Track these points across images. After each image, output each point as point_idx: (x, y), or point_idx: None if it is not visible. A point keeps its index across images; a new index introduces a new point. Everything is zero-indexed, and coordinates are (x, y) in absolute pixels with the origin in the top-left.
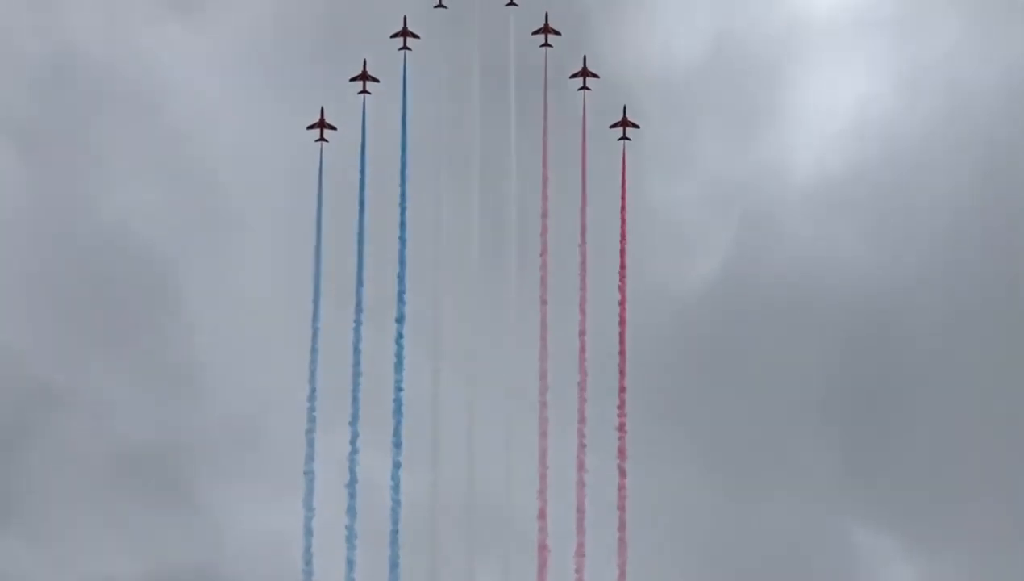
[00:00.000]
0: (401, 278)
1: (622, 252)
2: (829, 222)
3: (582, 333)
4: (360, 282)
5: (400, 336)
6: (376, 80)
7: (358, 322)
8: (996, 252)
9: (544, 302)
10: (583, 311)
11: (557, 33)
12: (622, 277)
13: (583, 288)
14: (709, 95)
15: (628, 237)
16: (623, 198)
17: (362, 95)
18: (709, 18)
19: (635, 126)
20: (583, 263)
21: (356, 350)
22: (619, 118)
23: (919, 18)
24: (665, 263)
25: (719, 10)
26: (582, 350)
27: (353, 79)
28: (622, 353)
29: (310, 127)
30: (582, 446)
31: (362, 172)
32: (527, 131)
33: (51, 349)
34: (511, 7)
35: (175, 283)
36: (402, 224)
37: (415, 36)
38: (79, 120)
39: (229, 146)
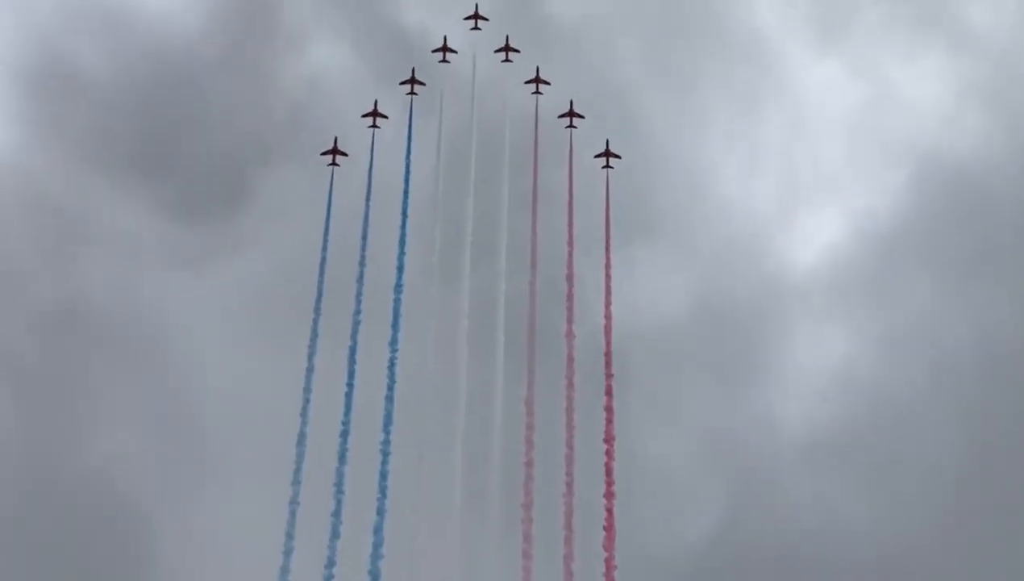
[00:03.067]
0: (379, 529)
1: (608, 511)
2: (821, 480)
3: None
4: (336, 534)
5: None
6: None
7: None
8: (987, 509)
9: (528, 556)
10: (569, 571)
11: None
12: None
13: (568, 544)
14: (695, 351)
15: (616, 493)
16: (608, 455)
17: (350, 345)
18: (694, 276)
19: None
20: (568, 516)
21: None
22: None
23: (894, 279)
24: (655, 523)
25: (703, 268)
26: None
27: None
28: None
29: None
30: None
31: (344, 437)
32: (513, 373)
33: None
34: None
35: (152, 532)
36: (383, 474)
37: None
38: (77, 364)
39: (220, 397)
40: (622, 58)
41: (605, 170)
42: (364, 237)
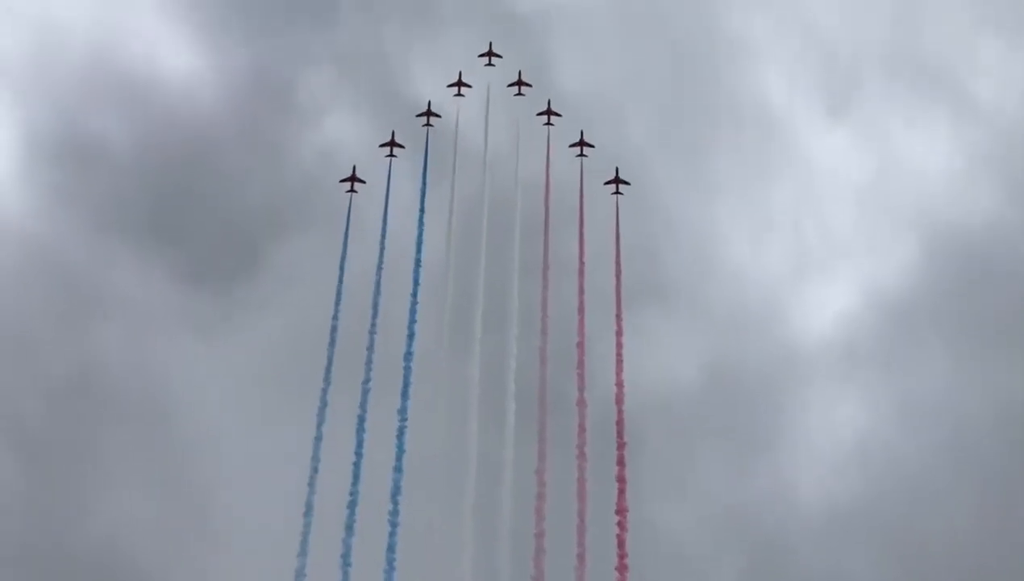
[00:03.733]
0: None
1: None
2: (838, 552)
3: None
4: None
5: None
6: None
7: None
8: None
9: None
10: None
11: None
12: None
13: None
14: (709, 419)
15: (629, 566)
16: (621, 526)
17: (359, 414)
18: (706, 342)
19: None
20: None
21: None
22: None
23: (908, 348)
24: None
25: (716, 335)
26: None
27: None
28: None
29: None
30: None
31: (351, 508)
32: (524, 442)
33: None
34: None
35: None
36: (391, 546)
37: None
38: (86, 431)
39: (227, 465)
40: (633, 125)
41: (615, 233)
42: (375, 306)
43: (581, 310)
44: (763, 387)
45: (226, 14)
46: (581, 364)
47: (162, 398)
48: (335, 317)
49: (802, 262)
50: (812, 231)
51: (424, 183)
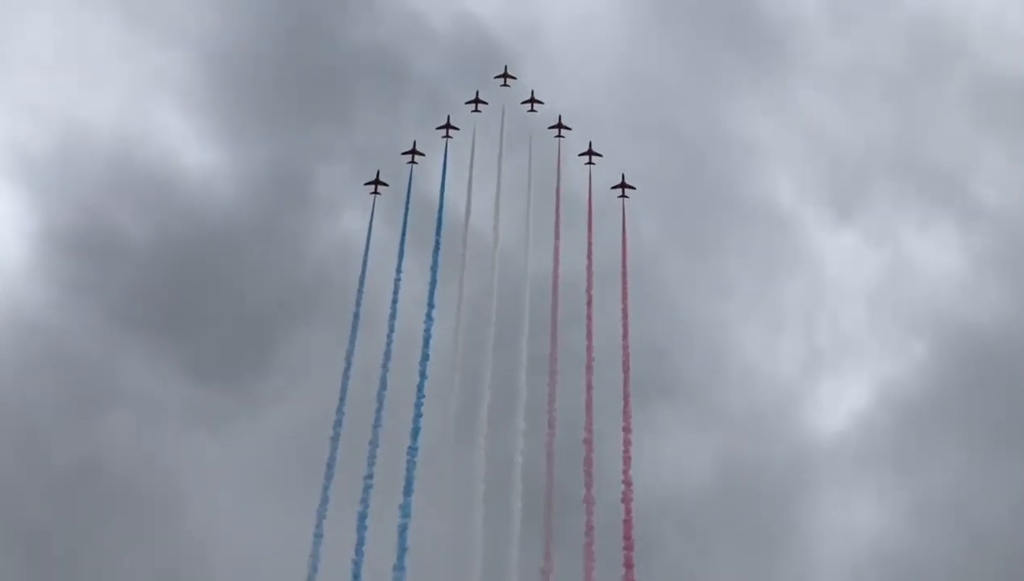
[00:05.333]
0: None
1: None
2: None
3: None
4: None
5: None
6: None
7: None
8: None
9: None
10: None
11: None
12: None
13: None
14: (720, 519)
15: None
16: None
17: (360, 510)
18: (717, 440)
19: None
20: None
21: None
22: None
23: (922, 448)
24: None
25: (726, 433)
26: None
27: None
28: None
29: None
30: None
31: None
32: (530, 540)
33: None
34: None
35: None
36: None
37: None
38: (91, 523)
39: (229, 561)
40: (645, 224)
41: (623, 327)
42: (380, 399)
43: (589, 406)
44: (775, 487)
45: (246, 111)
46: (589, 461)
47: (166, 492)
48: (339, 410)
49: (813, 361)
50: (823, 331)
51: (434, 277)
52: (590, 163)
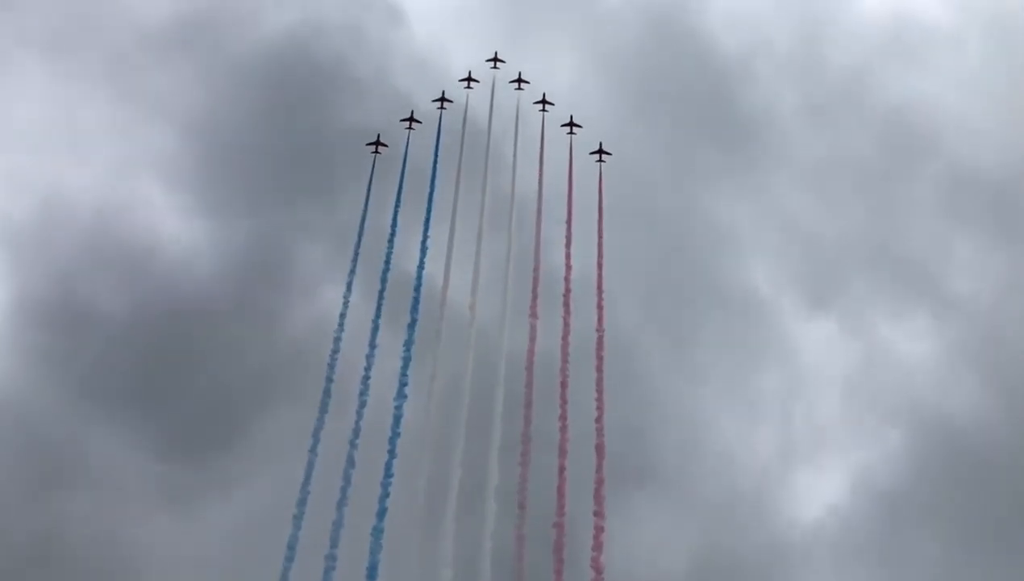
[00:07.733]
0: None
1: None
2: None
3: None
4: None
5: None
6: None
7: None
8: None
9: None
10: None
11: None
12: None
13: None
14: None
15: None
16: None
17: None
18: (692, 529)
19: None
20: None
21: None
22: None
23: (898, 539)
24: None
25: (702, 521)
26: None
27: None
28: None
29: None
30: None
31: None
32: None
33: None
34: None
35: None
36: None
37: None
38: None
39: None
40: (620, 310)
41: (598, 411)
42: (347, 477)
43: (561, 491)
44: (751, 577)
45: (228, 186)
46: (560, 546)
47: (126, 570)
48: (303, 488)
49: (789, 450)
50: (799, 419)
51: (408, 354)
52: (567, 246)
